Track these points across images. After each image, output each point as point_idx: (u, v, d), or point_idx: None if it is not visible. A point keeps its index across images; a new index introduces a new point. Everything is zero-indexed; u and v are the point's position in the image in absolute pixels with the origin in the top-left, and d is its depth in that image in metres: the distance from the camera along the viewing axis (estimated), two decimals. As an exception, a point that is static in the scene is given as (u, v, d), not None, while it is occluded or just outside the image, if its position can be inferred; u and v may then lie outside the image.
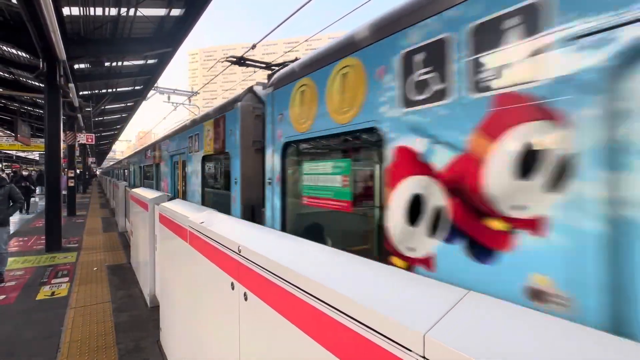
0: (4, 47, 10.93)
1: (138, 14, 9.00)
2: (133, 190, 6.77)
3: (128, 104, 21.02)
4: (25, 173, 15.79)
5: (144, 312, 4.77)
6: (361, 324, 1.01)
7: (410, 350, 0.85)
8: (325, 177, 2.43)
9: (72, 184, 14.18)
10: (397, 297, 1.06)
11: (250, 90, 3.75)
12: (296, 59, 3.09)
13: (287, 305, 1.39)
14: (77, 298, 5.23)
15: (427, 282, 1.15)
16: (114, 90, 17.32)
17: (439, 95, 1.49)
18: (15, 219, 13.21)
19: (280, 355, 1.45)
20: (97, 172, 58.33)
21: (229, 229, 2.23)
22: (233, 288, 1.88)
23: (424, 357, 0.83)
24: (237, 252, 1.82)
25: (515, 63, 1.21)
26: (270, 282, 1.51)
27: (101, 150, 54.56)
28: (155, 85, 16.86)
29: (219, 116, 4.13)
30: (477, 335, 0.81)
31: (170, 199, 4.66)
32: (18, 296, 5.30)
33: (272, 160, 3.01)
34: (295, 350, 1.34)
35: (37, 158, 41.28)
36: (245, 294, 1.74)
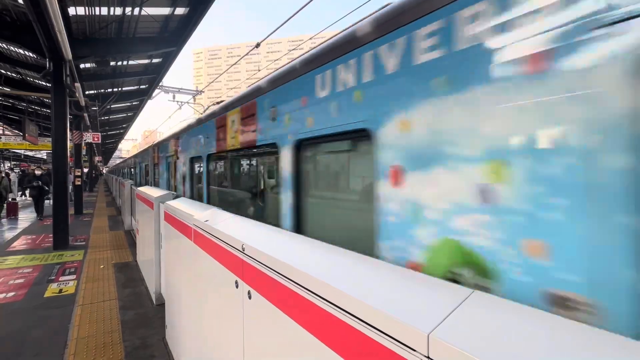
0: (11, 47, 11.05)
1: (143, 13, 9.03)
2: (139, 188, 6.82)
3: (133, 103, 21.16)
4: (38, 172, 13.51)
5: (150, 309, 4.81)
6: (365, 323, 1.00)
7: (415, 350, 0.85)
8: None
9: (79, 183, 14.33)
10: (401, 296, 1.05)
11: None
12: None
13: (290, 304, 1.39)
14: (84, 295, 5.29)
15: (431, 281, 1.13)
16: (120, 89, 17.44)
17: None
18: (24, 216, 13.39)
19: (284, 353, 1.45)
20: (104, 171, 58.90)
21: (233, 227, 2.23)
22: (237, 286, 1.88)
23: (428, 357, 0.82)
24: (241, 250, 1.82)
25: None
26: (273, 281, 1.50)
27: (107, 149, 55.06)
28: (160, 84, 16.94)
29: None
30: (482, 336, 0.80)
31: (176, 197, 4.69)
32: (26, 293, 5.37)
33: None
34: (298, 349, 1.34)
35: (45, 157, 41.78)
36: (249, 293, 1.74)
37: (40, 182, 13.22)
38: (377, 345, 0.95)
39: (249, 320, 1.77)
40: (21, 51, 11.29)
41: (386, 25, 1.53)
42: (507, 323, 0.85)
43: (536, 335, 0.79)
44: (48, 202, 13.88)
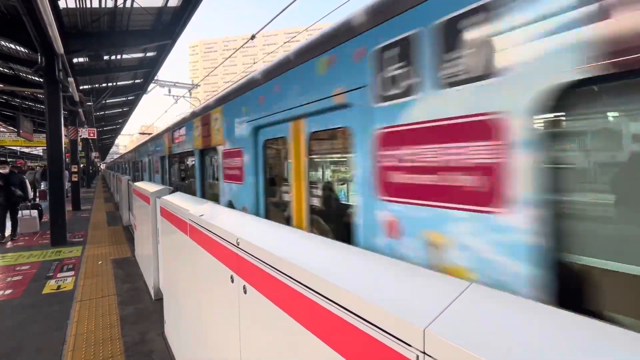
0: (3, 42, 10.86)
1: (135, 5, 8.87)
2: (135, 184, 6.78)
3: (129, 98, 20.95)
4: (4, 170, 8.94)
5: (148, 304, 4.81)
6: (360, 317, 0.98)
7: (410, 346, 0.82)
8: None
9: (76, 179, 14.24)
10: (397, 290, 1.02)
11: None
12: None
13: (285, 299, 1.37)
14: (83, 291, 5.28)
15: (428, 274, 1.11)
16: (114, 84, 17.25)
17: None
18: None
19: (279, 348, 1.43)
20: (102, 167, 58.59)
21: (228, 221, 2.20)
22: (232, 281, 1.86)
23: (424, 353, 0.80)
24: (236, 244, 1.80)
25: None
26: (268, 275, 1.48)
27: (104, 145, 54.74)
28: (156, 78, 16.75)
29: None
30: (479, 330, 0.78)
31: (172, 192, 4.65)
32: (24, 290, 5.36)
33: None
34: (293, 344, 1.32)
35: (42, 154, 41.55)
36: (244, 287, 1.72)
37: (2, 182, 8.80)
38: (372, 340, 0.93)
39: (244, 314, 1.75)
40: (13, 46, 11.10)
41: None
42: (504, 316, 0.83)
43: (532, 328, 0.77)
44: (27, 214, 9.68)
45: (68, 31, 9.48)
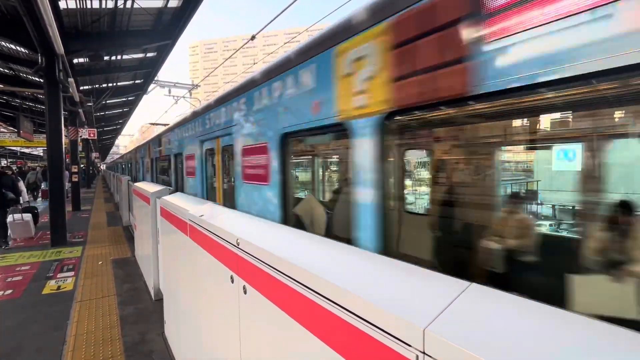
0: (3, 43, 10.86)
1: (135, 5, 8.87)
2: (135, 184, 6.78)
3: (129, 98, 20.96)
4: None
5: (148, 305, 4.80)
6: (359, 318, 0.98)
7: (410, 346, 0.82)
8: None
9: (76, 179, 14.22)
10: (397, 290, 1.02)
11: None
12: None
13: (285, 299, 1.37)
14: (83, 292, 5.27)
15: (428, 275, 1.11)
16: (115, 84, 17.25)
17: None
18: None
19: (279, 348, 1.43)
20: (102, 167, 58.56)
21: (228, 222, 2.20)
22: (232, 281, 1.86)
23: (424, 353, 0.80)
24: (236, 245, 1.80)
25: None
26: (268, 275, 1.48)
27: (104, 145, 54.72)
28: (156, 78, 16.75)
29: None
30: (479, 329, 0.78)
31: (172, 192, 4.65)
32: (24, 290, 5.36)
33: None
34: (293, 344, 1.32)
35: (42, 154, 41.53)
36: (244, 287, 1.72)
37: None
38: (371, 340, 0.93)
39: (244, 315, 1.75)
40: (13, 46, 11.11)
41: None
42: (504, 316, 0.83)
43: (532, 328, 0.77)
44: (18, 218, 8.83)
45: (68, 31, 9.48)
